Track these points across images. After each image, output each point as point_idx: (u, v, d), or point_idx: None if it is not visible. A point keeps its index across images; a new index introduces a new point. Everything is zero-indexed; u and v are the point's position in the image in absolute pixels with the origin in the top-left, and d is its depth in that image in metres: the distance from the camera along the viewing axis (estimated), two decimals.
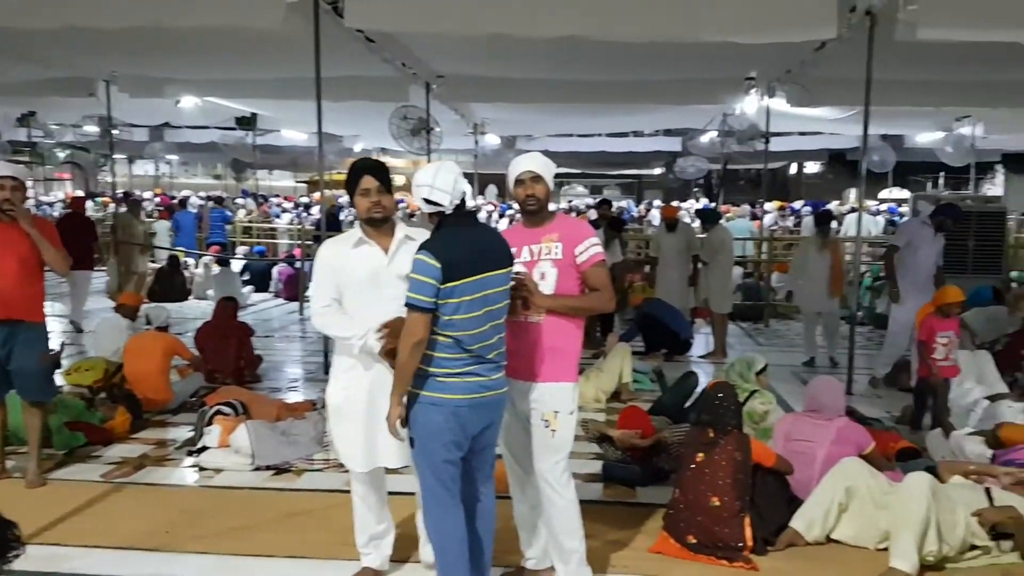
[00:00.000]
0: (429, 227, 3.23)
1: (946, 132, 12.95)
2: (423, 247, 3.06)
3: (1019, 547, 3.88)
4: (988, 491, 4.08)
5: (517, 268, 3.32)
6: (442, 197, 3.08)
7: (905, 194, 22.00)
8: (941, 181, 24.62)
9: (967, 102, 10.34)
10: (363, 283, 3.37)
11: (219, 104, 11.56)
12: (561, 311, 3.38)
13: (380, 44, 7.41)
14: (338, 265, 3.39)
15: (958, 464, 4.70)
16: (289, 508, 4.51)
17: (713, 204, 17.63)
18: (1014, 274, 11.91)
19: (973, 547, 3.89)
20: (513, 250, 3.30)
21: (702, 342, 9.46)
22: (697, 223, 10.90)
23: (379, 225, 3.38)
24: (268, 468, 5.09)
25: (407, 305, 3.01)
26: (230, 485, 4.91)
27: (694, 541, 3.93)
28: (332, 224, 14.06)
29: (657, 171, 22.38)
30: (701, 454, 4.07)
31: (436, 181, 3.08)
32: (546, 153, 3.69)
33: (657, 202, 23.88)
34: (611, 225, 9.84)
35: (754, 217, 18.31)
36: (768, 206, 18.35)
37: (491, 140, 15.06)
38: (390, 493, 3.71)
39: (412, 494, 3.41)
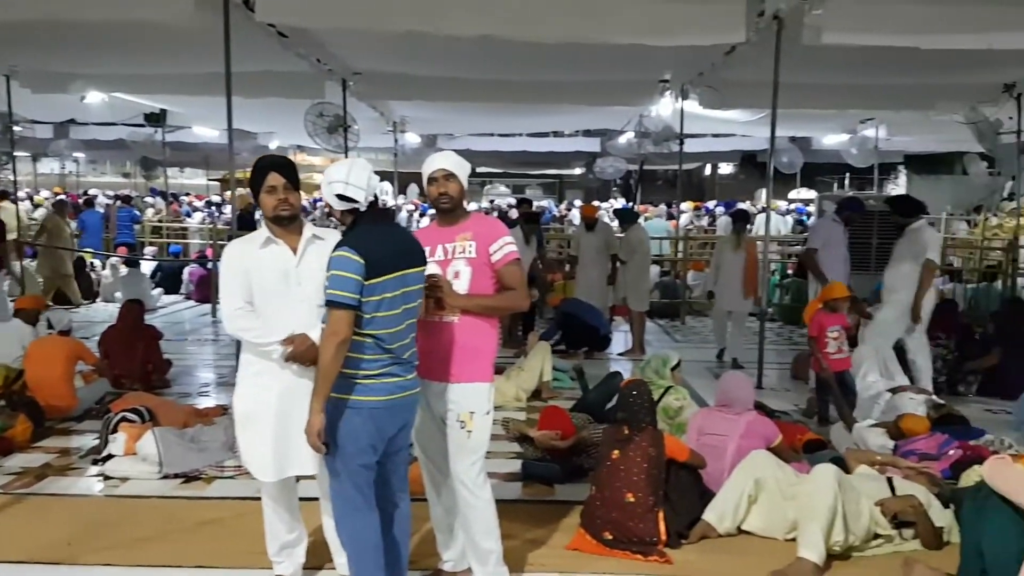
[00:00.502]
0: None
1: (851, 134, 13.41)
2: (343, 243, 2.99)
3: (920, 535, 4.03)
4: (890, 481, 4.23)
5: (431, 268, 3.29)
6: (357, 193, 3.02)
7: (813, 194, 22.66)
8: (847, 181, 25.44)
9: (870, 105, 10.71)
10: (273, 284, 3.27)
11: (127, 100, 11.17)
12: (476, 311, 3.35)
13: (293, 39, 7.25)
14: (247, 266, 3.28)
15: (864, 453, 4.85)
16: (199, 517, 4.38)
17: (631, 204, 17.88)
18: None
19: (877, 536, 4.02)
20: (427, 249, 3.28)
21: (621, 339, 9.59)
22: (616, 223, 11.03)
23: (287, 224, 3.29)
24: (177, 476, 4.93)
25: (328, 303, 2.92)
26: (137, 494, 4.74)
27: (610, 537, 3.97)
28: (246, 223, 13.73)
29: (578, 171, 22.58)
30: (616, 451, 4.11)
31: (350, 177, 3.01)
32: (467, 152, 3.68)
33: (578, 202, 24.05)
34: (527, 220, 9.85)
35: (670, 217, 18.59)
36: (684, 206, 18.70)
37: (411, 139, 14.94)
38: (302, 499, 3.63)
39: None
